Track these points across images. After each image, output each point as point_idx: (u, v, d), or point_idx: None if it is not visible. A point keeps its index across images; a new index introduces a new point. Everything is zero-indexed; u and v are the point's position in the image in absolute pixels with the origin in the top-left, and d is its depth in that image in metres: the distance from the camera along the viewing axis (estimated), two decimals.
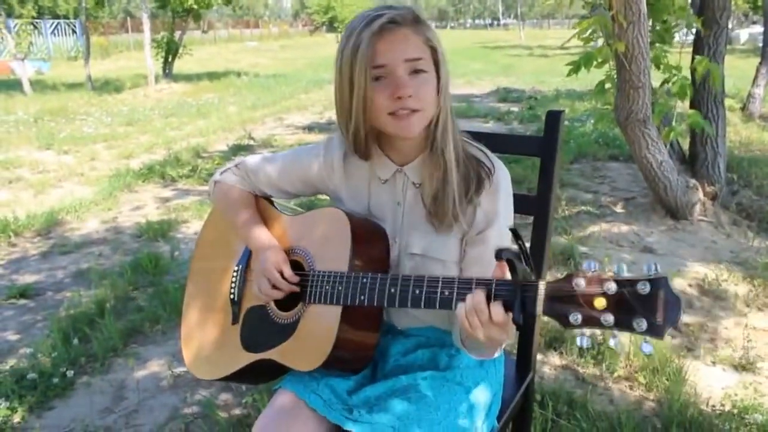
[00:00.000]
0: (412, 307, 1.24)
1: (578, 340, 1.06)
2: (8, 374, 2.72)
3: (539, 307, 1.08)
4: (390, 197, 1.46)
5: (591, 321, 1.03)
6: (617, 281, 1.01)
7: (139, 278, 3.76)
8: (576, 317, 1.04)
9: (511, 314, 1.11)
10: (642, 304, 0.99)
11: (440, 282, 1.21)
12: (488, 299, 1.13)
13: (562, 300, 1.06)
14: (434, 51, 1.33)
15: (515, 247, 1.08)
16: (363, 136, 1.36)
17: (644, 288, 0.99)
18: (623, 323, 1.01)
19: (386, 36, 1.27)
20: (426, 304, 1.22)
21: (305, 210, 1.57)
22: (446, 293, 1.20)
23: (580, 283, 1.04)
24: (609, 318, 1.01)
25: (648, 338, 1.00)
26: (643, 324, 0.99)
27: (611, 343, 1.04)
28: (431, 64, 1.33)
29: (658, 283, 0.99)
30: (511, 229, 1.10)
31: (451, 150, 1.36)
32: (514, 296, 1.10)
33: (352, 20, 1.33)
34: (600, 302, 1.02)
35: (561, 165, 2.06)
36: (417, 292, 1.23)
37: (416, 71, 1.30)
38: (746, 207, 4.53)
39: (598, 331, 1.04)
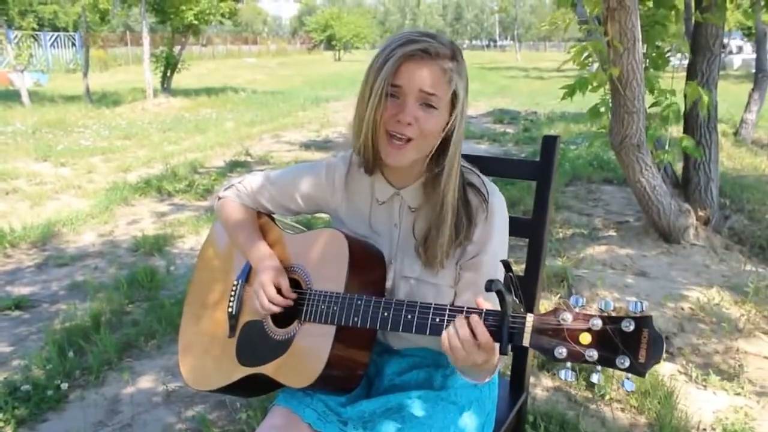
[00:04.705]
0: (404, 332, 1.26)
1: (562, 373, 1.09)
2: (1, 386, 2.71)
3: (526, 339, 1.10)
4: (387, 219, 1.49)
5: (575, 356, 1.05)
6: (602, 318, 1.04)
7: (134, 292, 3.77)
8: (561, 351, 1.06)
9: (498, 344, 1.13)
10: (625, 342, 1.02)
11: (432, 309, 1.23)
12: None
13: (549, 334, 1.08)
14: (454, 94, 1.34)
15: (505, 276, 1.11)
16: (371, 146, 1.37)
17: (629, 326, 1.02)
18: (606, 360, 1.03)
19: (414, 61, 1.30)
20: (417, 330, 1.24)
21: (306, 228, 1.59)
22: (437, 320, 1.22)
23: (567, 318, 1.06)
24: (593, 354, 1.03)
25: (630, 375, 1.02)
26: (626, 362, 1.01)
27: (594, 378, 1.06)
28: (446, 104, 1.34)
29: (643, 321, 1.02)
30: (502, 261, 1.12)
31: (450, 196, 1.36)
32: (502, 327, 1.12)
33: (396, 34, 1.38)
34: (585, 338, 1.05)
35: (556, 188, 2.09)
36: (409, 317, 1.25)
37: (427, 104, 1.32)
38: (738, 231, 4.57)
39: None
